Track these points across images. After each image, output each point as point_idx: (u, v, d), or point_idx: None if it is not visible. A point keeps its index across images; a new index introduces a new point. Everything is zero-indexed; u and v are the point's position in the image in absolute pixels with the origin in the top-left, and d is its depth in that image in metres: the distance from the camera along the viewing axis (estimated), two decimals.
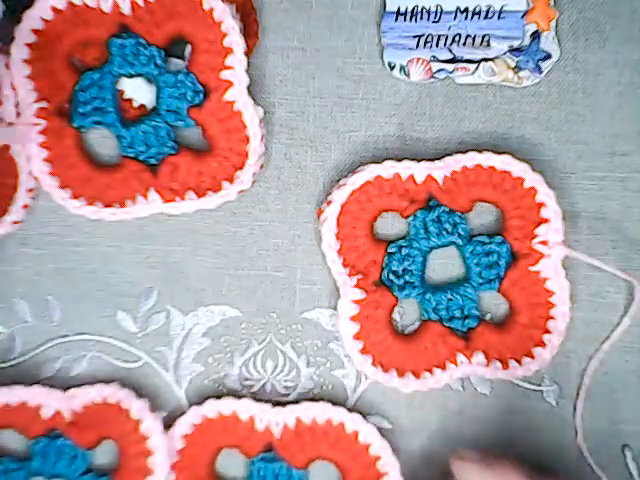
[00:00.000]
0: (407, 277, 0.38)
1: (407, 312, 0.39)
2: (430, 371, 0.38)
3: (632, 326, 0.39)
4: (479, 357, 0.37)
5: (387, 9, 0.39)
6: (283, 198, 0.40)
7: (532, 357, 0.38)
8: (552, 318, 0.37)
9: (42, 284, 0.40)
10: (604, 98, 0.39)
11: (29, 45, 0.37)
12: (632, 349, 0.39)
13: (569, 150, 0.39)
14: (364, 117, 0.40)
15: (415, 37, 0.39)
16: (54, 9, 0.37)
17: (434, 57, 0.39)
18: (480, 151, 0.37)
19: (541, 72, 0.39)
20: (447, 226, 0.38)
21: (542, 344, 0.37)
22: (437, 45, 0.39)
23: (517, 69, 0.39)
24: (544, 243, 0.37)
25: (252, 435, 0.38)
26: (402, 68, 0.39)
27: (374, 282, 0.38)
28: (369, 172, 0.37)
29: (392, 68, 0.39)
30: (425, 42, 0.39)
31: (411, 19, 0.39)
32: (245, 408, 0.38)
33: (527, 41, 0.39)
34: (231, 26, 0.36)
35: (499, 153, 0.37)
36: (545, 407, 0.39)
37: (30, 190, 0.39)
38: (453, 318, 0.38)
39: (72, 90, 0.38)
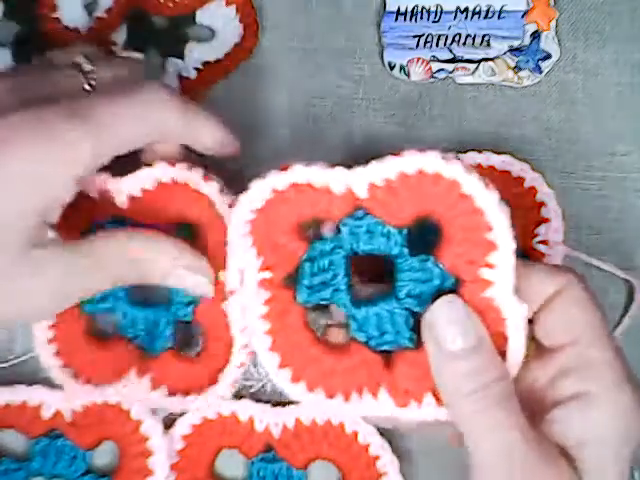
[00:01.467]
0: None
1: None
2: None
3: (632, 326, 0.39)
4: None
5: (387, 9, 0.39)
6: None
7: None
8: None
9: None
10: (604, 98, 0.39)
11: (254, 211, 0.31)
12: (632, 349, 0.39)
13: (569, 150, 0.39)
14: (364, 117, 0.40)
15: (415, 37, 0.39)
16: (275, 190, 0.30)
17: (434, 57, 0.39)
18: (480, 151, 0.37)
19: (541, 72, 0.39)
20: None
21: None
22: (437, 45, 0.39)
23: (517, 69, 0.39)
24: (544, 243, 0.37)
25: (252, 435, 0.38)
26: (402, 68, 0.39)
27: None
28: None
29: (392, 68, 0.39)
30: (425, 42, 0.39)
31: (411, 19, 0.39)
32: (244, 409, 0.38)
33: (527, 41, 0.39)
34: (497, 218, 0.28)
35: (499, 153, 0.37)
36: None
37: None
38: None
39: (299, 260, 0.31)
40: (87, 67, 0.32)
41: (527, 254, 0.37)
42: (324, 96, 0.40)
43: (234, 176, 0.33)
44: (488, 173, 0.37)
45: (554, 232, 0.37)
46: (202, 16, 0.39)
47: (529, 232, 0.37)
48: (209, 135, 0.32)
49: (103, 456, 0.39)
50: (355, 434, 0.38)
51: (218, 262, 0.32)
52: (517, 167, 0.37)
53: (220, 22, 0.39)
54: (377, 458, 0.38)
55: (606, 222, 0.39)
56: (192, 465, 0.38)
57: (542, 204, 0.37)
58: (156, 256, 0.31)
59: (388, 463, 0.38)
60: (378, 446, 0.38)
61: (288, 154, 0.40)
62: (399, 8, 0.39)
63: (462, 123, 0.40)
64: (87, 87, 0.32)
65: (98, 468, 0.39)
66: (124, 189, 0.32)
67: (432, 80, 0.39)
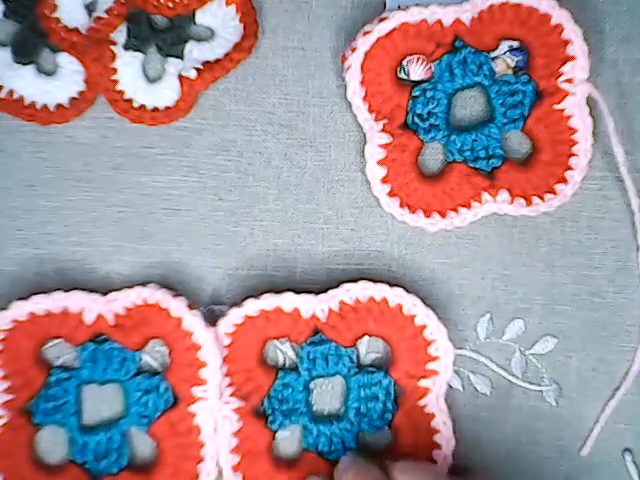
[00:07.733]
0: (432, 120, 0.38)
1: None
2: (456, 210, 0.38)
3: (632, 326, 0.39)
4: (503, 195, 0.38)
5: (387, 9, 0.39)
6: (283, 198, 0.40)
7: (554, 193, 0.38)
8: (574, 155, 0.38)
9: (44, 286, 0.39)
10: (604, 98, 0.39)
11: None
12: (632, 349, 0.40)
13: None
14: None
15: None
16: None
17: None
18: None
19: None
20: (472, 67, 0.38)
21: (564, 180, 0.38)
22: None
23: (517, 69, 0.38)
24: (569, 81, 0.37)
25: (298, 323, 0.37)
26: (402, 67, 0.39)
27: (400, 126, 0.38)
28: (395, 20, 0.37)
29: None
30: None
31: None
32: (289, 301, 0.37)
33: None
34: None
35: None
36: (545, 407, 0.39)
37: None
38: (478, 158, 0.38)
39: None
40: None
41: (552, 93, 0.38)
42: (324, 96, 0.40)
43: None
44: (514, 9, 0.37)
45: (580, 70, 0.37)
46: (202, 16, 0.39)
47: (554, 71, 0.37)
48: None
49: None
50: (399, 307, 0.37)
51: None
52: (544, 4, 0.37)
53: (220, 22, 0.39)
54: (424, 327, 0.37)
55: (606, 222, 0.40)
56: (242, 356, 0.37)
57: (568, 42, 0.37)
58: None
59: (435, 331, 0.37)
60: (424, 315, 0.37)
61: (288, 154, 0.40)
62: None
63: None
64: None
65: (149, 368, 0.38)
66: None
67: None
